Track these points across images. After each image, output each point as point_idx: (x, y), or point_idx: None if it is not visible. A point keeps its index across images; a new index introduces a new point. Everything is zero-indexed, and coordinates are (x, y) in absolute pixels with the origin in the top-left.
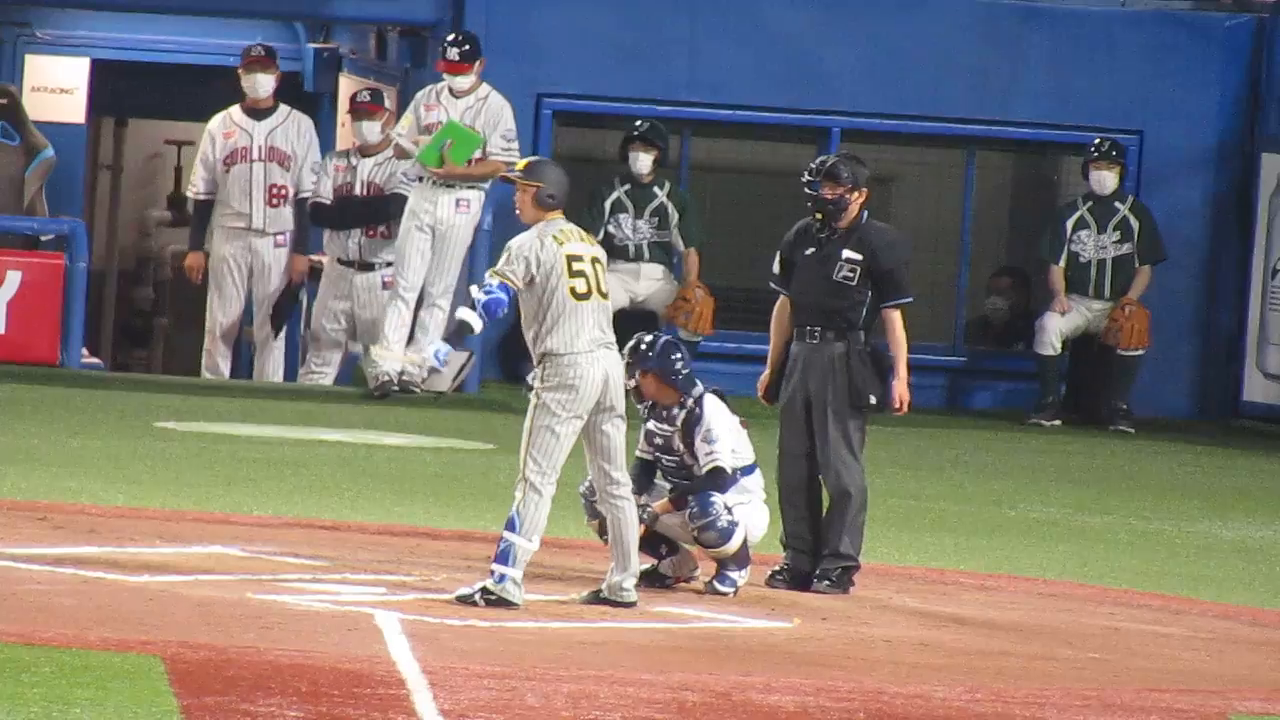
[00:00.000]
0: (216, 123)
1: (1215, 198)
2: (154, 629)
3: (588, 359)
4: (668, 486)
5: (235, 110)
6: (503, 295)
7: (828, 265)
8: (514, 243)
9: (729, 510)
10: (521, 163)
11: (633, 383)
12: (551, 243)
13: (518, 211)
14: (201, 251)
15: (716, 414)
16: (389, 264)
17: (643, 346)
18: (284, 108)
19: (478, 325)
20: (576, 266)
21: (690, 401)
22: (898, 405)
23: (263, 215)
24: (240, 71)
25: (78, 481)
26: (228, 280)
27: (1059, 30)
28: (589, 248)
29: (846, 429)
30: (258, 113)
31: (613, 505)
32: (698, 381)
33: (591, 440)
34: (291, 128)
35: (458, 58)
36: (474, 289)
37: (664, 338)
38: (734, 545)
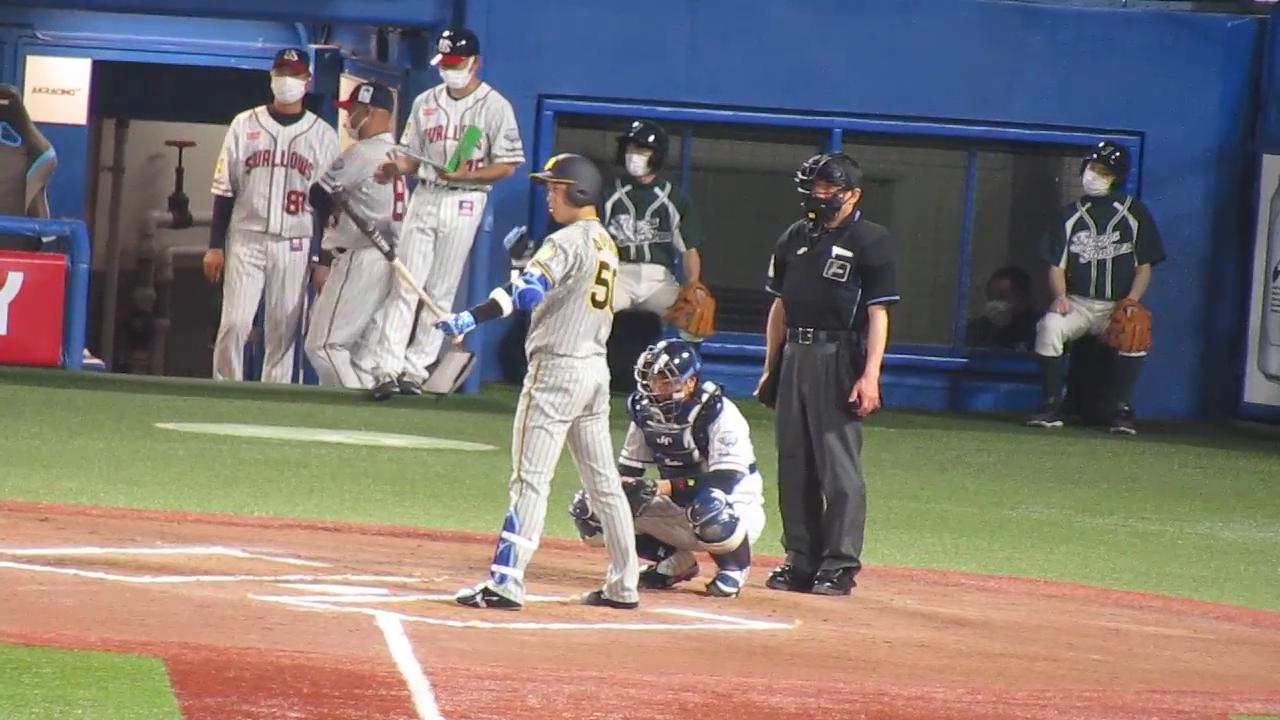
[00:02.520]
0: (242, 122)
1: (1216, 199)
2: (155, 630)
3: (584, 364)
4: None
5: (261, 111)
6: (540, 288)
7: (818, 263)
8: (559, 236)
9: (730, 505)
10: (550, 161)
11: (679, 386)
12: (592, 245)
13: (551, 210)
14: (220, 249)
15: (733, 414)
16: (339, 249)
17: (685, 354)
18: (310, 115)
19: (508, 309)
20: (603, 275)
21: (706, 396)
22: (853, 399)
23: (280, 220)
24: (271, 73)
25: (79, 482)
26: (242, 281)
27: (1059, 30)
28: (613, 257)
29: (841, 430)
30: (284, 117)
31: (605, 505)
32: None
33: (577, 442)
34: (315, 136)
35: (449, 49)
36: (515, 275)
37: (674, 340)
38: (736, 540)
